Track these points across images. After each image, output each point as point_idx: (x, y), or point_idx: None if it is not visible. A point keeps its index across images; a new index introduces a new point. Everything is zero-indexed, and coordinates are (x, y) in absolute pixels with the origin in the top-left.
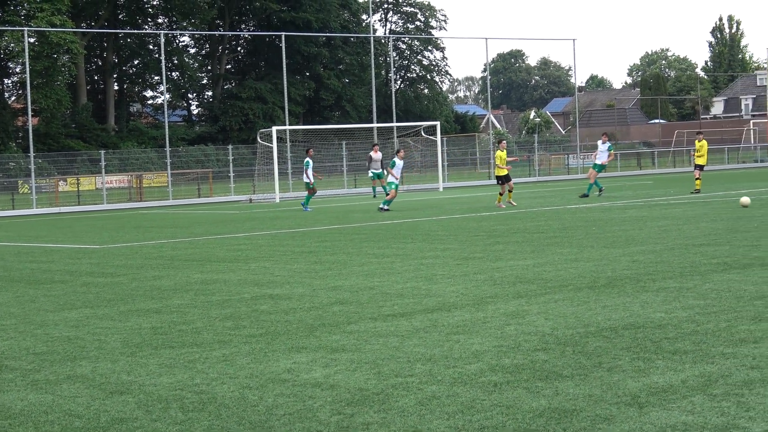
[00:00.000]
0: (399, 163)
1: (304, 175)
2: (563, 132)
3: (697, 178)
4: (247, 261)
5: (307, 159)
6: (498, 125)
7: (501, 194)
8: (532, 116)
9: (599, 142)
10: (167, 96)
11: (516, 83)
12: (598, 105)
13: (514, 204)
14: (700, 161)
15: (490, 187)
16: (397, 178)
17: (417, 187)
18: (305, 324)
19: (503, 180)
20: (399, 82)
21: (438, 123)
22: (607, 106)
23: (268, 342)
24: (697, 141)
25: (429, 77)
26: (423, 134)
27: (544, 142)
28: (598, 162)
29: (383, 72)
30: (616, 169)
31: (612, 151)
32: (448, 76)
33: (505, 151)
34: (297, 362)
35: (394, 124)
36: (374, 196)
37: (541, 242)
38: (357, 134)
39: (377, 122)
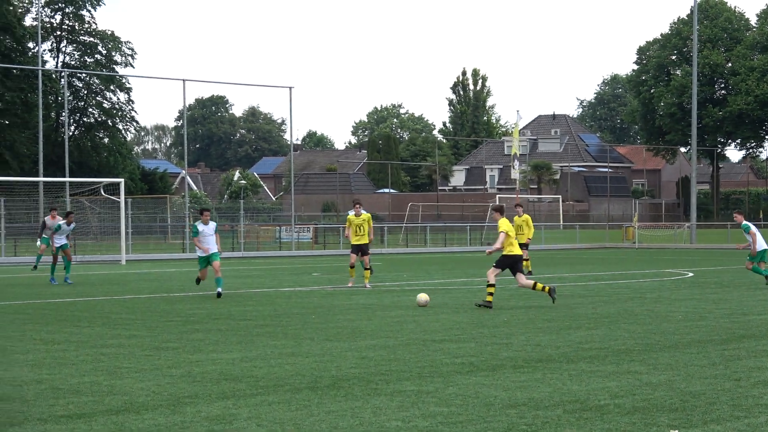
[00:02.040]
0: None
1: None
2: (274, 198)
3: (525, 259)
4: None
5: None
6: (194, 186)
7: (352, 267)
8: (236, 177)
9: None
10: None
11: (217, 137)
12: (317, 168)
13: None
14: (523, 239)
15: (184, 261)
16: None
17: (94, 258)
18: None
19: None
20: (73, 128)
21: (122, 180)
22: (328, 170)
23: None
24: (517, 216)
25: (111, 123)
26: (103, 193)
27: (251, 210)
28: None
29: (53, 114)
30: (337, 246)
31: None
32: (134, 124)
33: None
34: None
35: (67, 179)
36: (34, 267)
37: (250, 332)
38: (18, 189)
39: (44, 176)
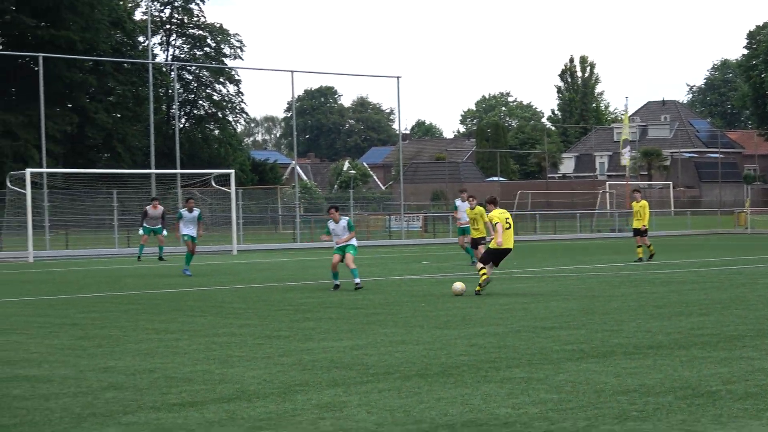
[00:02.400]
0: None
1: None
2: (383, 188)
3: (638, 246)
4: None
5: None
6: (305, 177)
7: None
8: (345, 167)
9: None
10: None
11: (327, 127)
12: (425, 157)
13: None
14: (638, 224)
15: (296, 251)
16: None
17: (206, 249)
18: (71, 413)
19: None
20: (184, 120)
21: (232, 171)
22: (437, 159)
23: None
24: (635, 202)
25: (221, 115)
26: (214, 184)
27: (361, 200)
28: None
29: (164, 107)
30: (448, 234)
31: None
32: (244, 115)
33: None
34: None
35: (178, 170)
36: (138, 258)
37: (360, 320)
38: (131, 182)
39: (156, 168)
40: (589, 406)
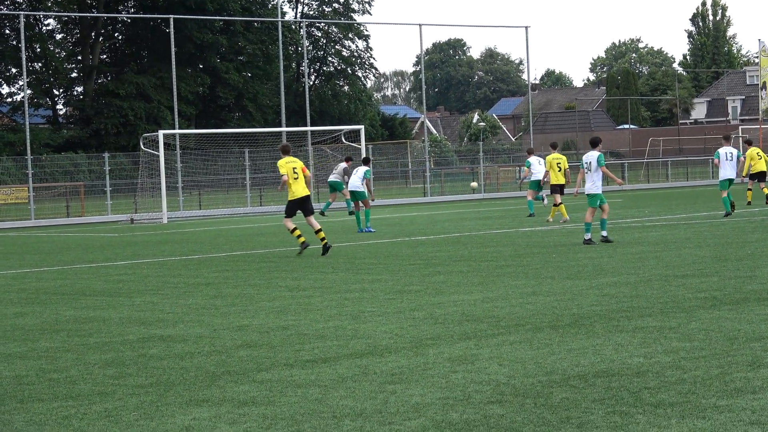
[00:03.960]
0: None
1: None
2: (513, 139)
3: (749, 189)
4: (131, 295)
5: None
6: (434, 130)
7: (555, 205)
8: (475, 120)
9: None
10: (28, 92)
11: (456, 80)
12: (555, 107)
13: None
14: (760, 167)
15: (426, 205)
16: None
17: (337, 205)
18: (205, 371)
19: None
20: (313, 78)
21: (362, 127)
22: (567, 108)
23: (160, 394)
24: (753, 148)
25: (350, 71)
26: (344, 140)
27: (491, 152)
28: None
29: (294, 65)
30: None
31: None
32: (374, 71)
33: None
34: (197, 418)
35: (308, 128)
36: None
37: (491, 272)
38: (262, 140)
39: (287, 125)
40: (722, 354)
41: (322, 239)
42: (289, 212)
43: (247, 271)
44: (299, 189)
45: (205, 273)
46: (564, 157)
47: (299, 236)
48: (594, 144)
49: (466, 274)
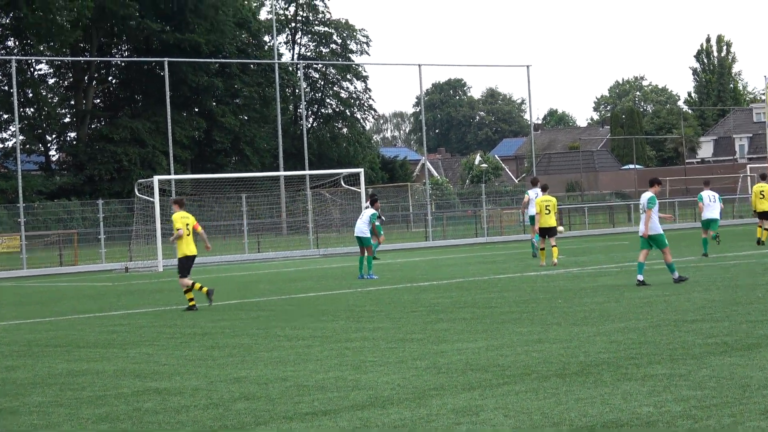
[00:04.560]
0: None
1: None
2: (516, 181)
3: (760, 226)
4: (125, 346)
5: (373, 211)
6: (435, 173)
7: (542, 249)
8: (477, 161)
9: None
10: (20, 138)
11: (456, 120)
12: (558, 147)
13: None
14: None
15: (429, 250)
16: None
17: (336, 250)
18: (202, 426)
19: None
20: (311, 120)
21: (362, 170)
22: (570, 149)
23: None
24: (759, 185)
25: (349, 113)
26: (343, 184)
27: (493, 194)
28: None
29: (291, 107)
30: (583, 226)
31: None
32: (373, 112)
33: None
34: None
35: (307, 171)
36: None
37: (495, 319)
38: (259, 184)
39: (285, 169)
40: (734, 402)
41: (191, 300)
42: (186, 270)
43: (245, 320)
44: (192, 246)
45: (202, 323)
46: (554, 199)
47: (191, 299)
48: (650, 184)
49: (469, 321)
